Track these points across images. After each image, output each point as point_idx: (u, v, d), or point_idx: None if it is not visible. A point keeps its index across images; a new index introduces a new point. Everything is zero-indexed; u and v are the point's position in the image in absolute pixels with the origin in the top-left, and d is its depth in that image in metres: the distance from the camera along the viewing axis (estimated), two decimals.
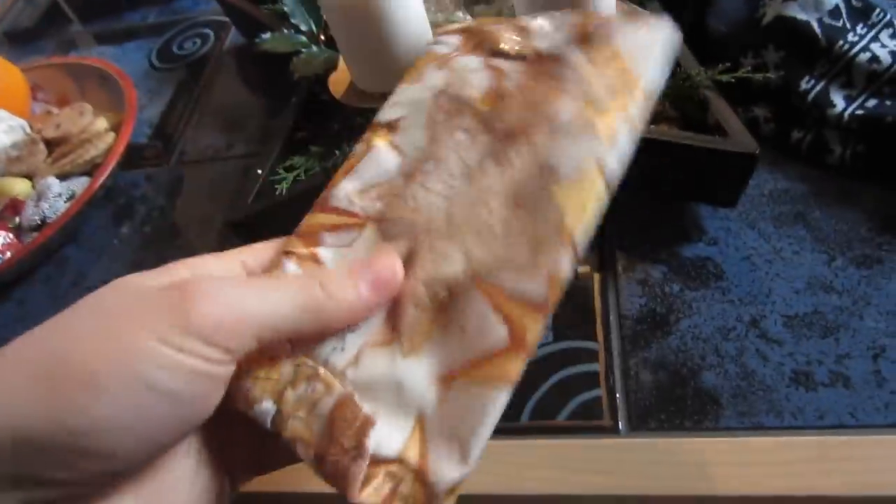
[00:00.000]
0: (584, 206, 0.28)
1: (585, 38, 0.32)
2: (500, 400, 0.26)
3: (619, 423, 0.40)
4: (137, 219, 0.61)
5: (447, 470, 0.25)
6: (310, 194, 0.44)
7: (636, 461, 0.38)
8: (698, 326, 0.43)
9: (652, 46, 0.31)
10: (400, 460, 0.26)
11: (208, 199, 0.61)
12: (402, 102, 0.33)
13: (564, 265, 0.27)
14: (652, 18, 0.32)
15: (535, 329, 0.26)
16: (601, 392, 0.41)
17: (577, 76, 0.30)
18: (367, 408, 0.26)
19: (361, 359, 0.27)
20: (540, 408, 0.41)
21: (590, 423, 0.40)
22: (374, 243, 0.30)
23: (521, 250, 0.28)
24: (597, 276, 0.47)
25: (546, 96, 0.30)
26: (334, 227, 0.31)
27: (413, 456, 0.26)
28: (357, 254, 0.30)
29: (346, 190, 0.32)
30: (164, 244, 0.58)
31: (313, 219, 0.32)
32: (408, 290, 0.28)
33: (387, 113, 0.33)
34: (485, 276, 0.28)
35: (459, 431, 0.26)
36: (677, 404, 0.40)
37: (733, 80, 0.45)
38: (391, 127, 0.33)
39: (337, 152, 0.49)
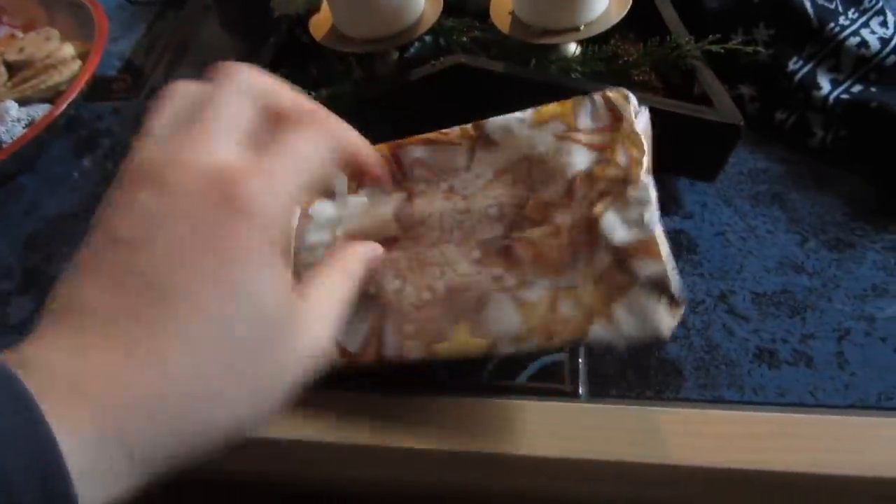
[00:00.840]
0: (457, 351, 0.34)
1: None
2: None
3: (580, 389, 0.39)
4: (100, 152, 0.59)
5: None
6: None
7: (594, 427, 0.37)
8: None
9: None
10: None
11: None
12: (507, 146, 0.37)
13: (405, 361, 0.35)
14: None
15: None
16: (564, 357, 0.40)
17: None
18: None
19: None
20: (500, 368, 0.40)
21: (550, 386, 0.39)
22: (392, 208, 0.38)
23: (412, 326, 0.35)
24: None
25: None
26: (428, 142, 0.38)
27: None
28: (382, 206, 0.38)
29: (414, 157, 0.38)
30: None
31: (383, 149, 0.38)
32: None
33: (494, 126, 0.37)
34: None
35: None
36: (640, 373, 0.39)
37: (722, 51, 0.44)
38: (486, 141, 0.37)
39: (313, 94, 0.47)
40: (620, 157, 0.34)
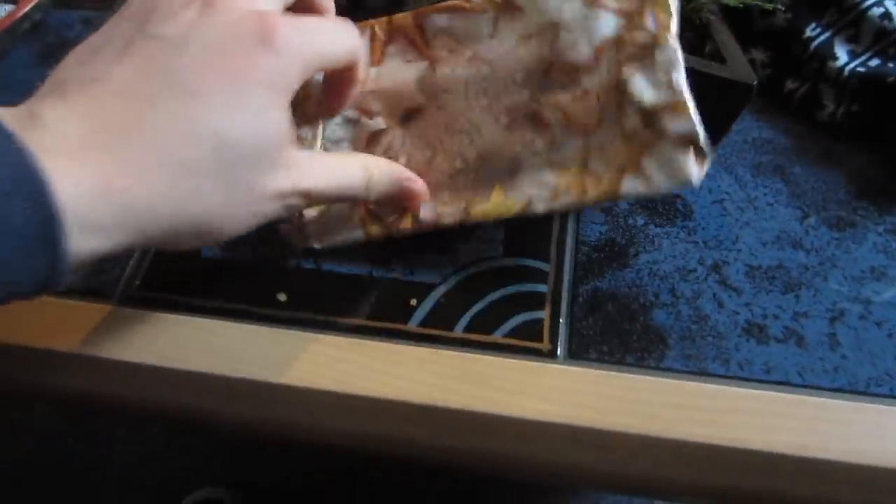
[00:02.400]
0: (497, 211, 0.36)
1: None
2: None
3: (558, 349, 0.37)
4: None
5: None
6: None
7: (568, 390, 0.35)
8: (658, 263, 0.40)
9: None
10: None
11: None
12: None
13: (451, 224, 0.37)
14: None
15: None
16: (545, 315, 0.38)
17: None
18: None
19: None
20: (477, 321, 0.38)
21: (527, 344, 0.37)
22: (418, 76, 0.37)
23: (446, 195, 0.37)
24: None
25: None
26: (407, 44, 0.38)
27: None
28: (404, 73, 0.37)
29: (438, 25, 0.37)
30: None
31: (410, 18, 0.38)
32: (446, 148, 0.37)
33: None
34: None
35: None
36: (622, 338, 0.37)
37: (742, 5, 0.42)
38: None
39: None
40: (648, 22, 0.34)
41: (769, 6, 0.43)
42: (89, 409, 0.43)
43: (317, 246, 0.40)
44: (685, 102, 0.33)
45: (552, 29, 0.35)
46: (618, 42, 0.34)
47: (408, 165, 0.37)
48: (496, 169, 0.36)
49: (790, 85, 0.46)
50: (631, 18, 0.34)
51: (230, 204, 0.28)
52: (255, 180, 0.29)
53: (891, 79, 0.42)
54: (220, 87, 0.27)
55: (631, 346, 0.37)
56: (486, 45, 0.36)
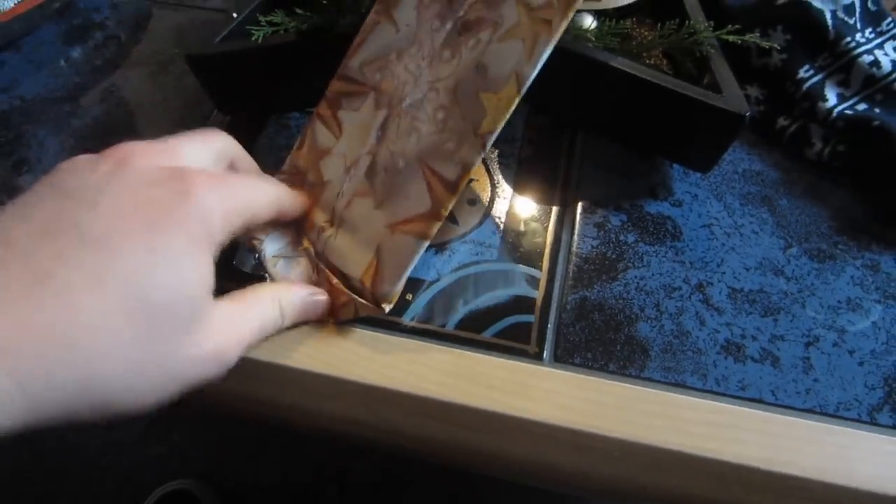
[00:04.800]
0: (500, 114, 0.33)
1: None
2: (420, 248, 0.36)
3: (544, 352, 0.38)
4: (91, 44, 0.56)
5: (388, 287, 0.36)
6: (284, 49, 0.44)
7: (552, 391, 0.37)
8: (645, 279, 0.42)
9: None
10: (361, 280, 0.37)
11: (172, 44, 0.57)
12: None
13: (475, 160, 0.34)
14: None
15: (448, 205, 0.34)
16: (534, 318, 0.40)
17: None
18: (347, 238, 0.38)
19: (352, 204, 0.38)
20: (470, 320, 0.39)
21: (515, 345, 0.38)
22: (372, 108, 0.38)
23: (451, 142, 0.35)
24: (555, 210, 0.45)
25: None
26: (349, 94, 0.39)
27: (367, 278, 0.36)
28: (362, 117, 0.38)
29: (359, 61, 0.39)
30: (112, 78, 0.54)
31: (334, 87, 0.40)
32: (382, 155, 0.37)
33: None
34: (426, 157, 0.35)
35: (396, 263, 0.36)
36: (606, 347, 0.39)
37: (740, 41, 0.44)
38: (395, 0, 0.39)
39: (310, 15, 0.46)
40: None
41: (765, 45, 0.45)
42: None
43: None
44: None
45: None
46: None
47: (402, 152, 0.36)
48: (474, 82, 0.34)
49: (782, 122, 0.48)
50: None
51: (140, 366, 0.25)
52: (170, 339, 0.26)
53: (876, 123, 0.44)
54: (132, 237, 0.25)
55: (614, 355, 0.38)
56: (400, 44, 0.38)
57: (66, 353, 0.23)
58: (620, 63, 0.42)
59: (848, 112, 0.46)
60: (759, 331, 0.40)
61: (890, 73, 0.47)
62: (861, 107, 0.47)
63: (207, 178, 0.28)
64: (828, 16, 0.47)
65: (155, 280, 0.25)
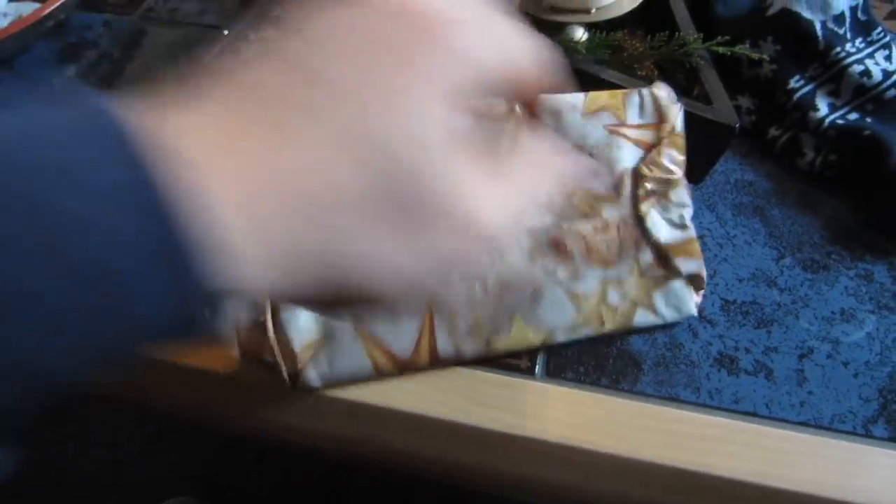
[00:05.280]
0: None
1: None
2: None
3: (536, 367, 0.38)
4: (84, 63, 0.57)
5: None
6: None
7: (543, 406, 0.36)
8: None
9: None
10: None
11: (165, 61, 0.57)
12: None
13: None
14: None
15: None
16: None
17: None
18: None
19: None
20: None
21: (507, 360, 0.38)
22: None
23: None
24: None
25: None
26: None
27: None
28: None
29: None
30: (107, 94, 0.54)
31: None
32: None
33: None
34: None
35: None
36: (599, 361, 0.38)
37: (729, 53, 0.44)
38: None
39: None
40: (664, 159, 0.37)
41: (755, 56, 0.45)
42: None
43: (315, 381, 0.35)
44: (695, 243, 0.37)
45: (576, 152, 0.37)
46: (637, 175, 0.37)
47: None
48: (518, 297, 0.36)
49: (773, 132, 0.48)
50: (649, 152, 0.37)
51: (387, 234, 0.22)
52: (415, 203, 0.22)
53: (867, 132, 0.44)
54: (379, 94, 0.22)
55: (606, 369, 0.38)
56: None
57: (312, 230, 0.21)
58: (610, 75, 0.42)
59: (839, 122, 0.46)
60: (753, 343, 0.39)
61: (881, 83, 0.47)
62: (852, 116, 0.47)
63: (458, 21, 0.23)
64: (818, 26, 0.47)
65: (398, 139, 0.21)
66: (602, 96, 0.38)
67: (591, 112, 0.37)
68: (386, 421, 0.37)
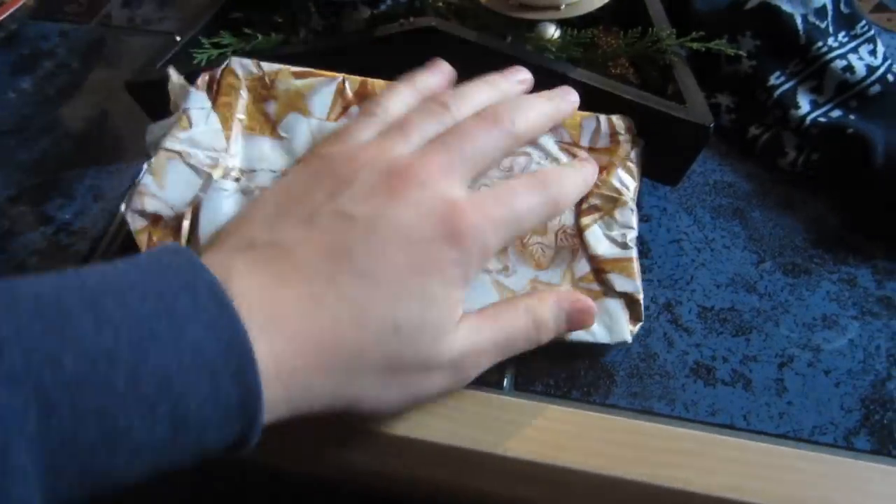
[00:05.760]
0: None
1: None
2: None
3: (504, 380, 0.36)
4: (40, 73, 0.55)
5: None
6: None
7: (511, 421, 0.35)
8: None
9: None
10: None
11: (124, 69, 0.55)
12: None
13: None
14: None
15: None
16: None
17: None
18: None
19: None
20: None
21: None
22: None
23: None
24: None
25: None
26: None
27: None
28: None
29: None
30: (64, 107, 0.52)
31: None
32: None
33: None
34: None
35: None
36: (570, 372, 0.37)
37: (704, 49, 0.42)
38: None
39: (273, 34, 0.44)
40: (615, 180, 0.37)
41: (731, 52, 0.43)
42: None
43: None
44: (633, 264, 0.36)
45: (525, 159, 0.37)
46: None
47: None
48: None
49: (754, 131, 0.47)
50: (599, 173, 0.37)
51: (386, 388, 0.29)
52: (414, 359, 0.29)
53: (850, 130, 0.43)
54: (396, 277, 0.28)
55: (578, 381, 0.37)
56: None
57: (327, 377, 0.27)
58: (580, 74, 0.41)
59: (822, 119, 0.45)
60: (731, 351, 0.38)
61: (864, 79, 0.45)
62: (835, 113, 0.45)
63: (479, 213, 0.30)
64: (798, 20, 0.46)
65: (408, 315, 0.28)
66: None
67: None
68: (345, 440, 0.35)
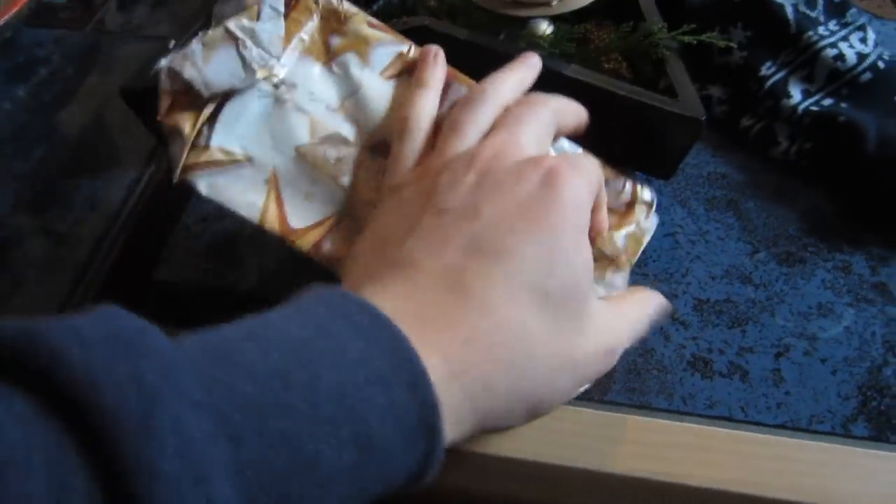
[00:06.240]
0: None
1: None
2: None
3: None
4: (35, 81, 0.55)
5: None
6: None
7: None
8: None
9: None
10: None
11: (119, 76, 0.55)
12: None
13: None
14: None
15: None
16: None
17: None
18: None
19: None
20: None
21: None
22: None
23: None
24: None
25: None
26: None
27: None
28: None
29: None
30: (60, 114, 0.52)
31: None
32: None
33: None
34: None
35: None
36: None
37: (695, 42, 0.42)
38: None
39: None
40: (619, 240, 0.36)
41: (721, 44, 0.44)
42: None
43: (202, 190, 0.34)
44: None
45: None
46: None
47: (351, 190, 0.34)
48: None
49: (746, 121, 0.47)
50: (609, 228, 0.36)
51: (555, 365, 0.27)
52: (570, 335, 0.27)
53: (842, 118, 0.43)
54: (527, 241, 0.26)
55: None
56: None
57: (502, 366, 0.25)
58: (572, 71, 0.41)
59: (814, 108, 0.45)
60: (727, 343, 0.38)
61: (855, 66, 0.45)
62: (827, 102, 0.45)
63: (565, 166, 0.28)
64: (788, 10, 0.46)
65: (554, 276, 0.26)
66: None
67: None
68: None
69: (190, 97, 0.33)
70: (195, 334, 0.22)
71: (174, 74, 0.33)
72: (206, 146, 0.33)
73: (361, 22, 0.35)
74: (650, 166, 0.43)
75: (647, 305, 0.32)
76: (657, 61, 0.43)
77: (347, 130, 0.34)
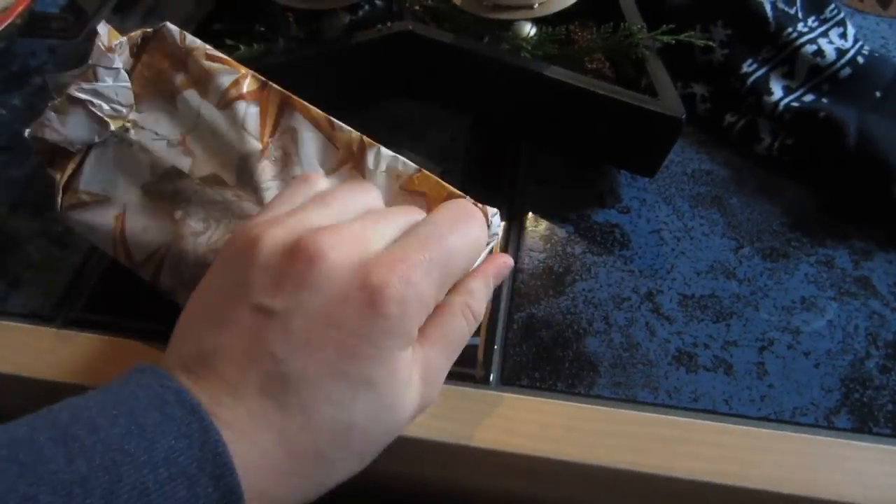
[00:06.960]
0: None
1: None
2: None
3: (491, 375, 0.37)
4: (29, 90, 0.56)
5: None
6: None
7: (498, 416, 0.36)
8: (593, 291, 0.41)
9: None
10: None
11: None
12: None
13: None
14: None
15: None
16: (479, 341, 0.38)
17: None
18: None
19: None
20: None
21: (460, 369, 0.37)
22: None
23: None
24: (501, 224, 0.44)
25: None
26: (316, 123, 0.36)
27: None
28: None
29: None
30: None
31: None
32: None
33: None
34: None
35: None
36: (555, 365, 0.38)
37: (674, 41, 0.43)
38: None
39: (254, 45, 0.45)
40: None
41: (701, 42, 0.44)
42: None
43: (74, 227, 0.38)
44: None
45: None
46: None
47: (180, 220, 0.36)
48: None
49: (729, 118, 0.47)
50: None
51: (356, 462, 0.28)
52: (379, 438, 0.28)
53: (822, 113, 0.43)
54: (328, 370, 0.26)
55: (562, 374, 0.37)
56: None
57: (290, 484, 0.26)
58: (554, 72, 0.41)
59: (795, 104, 0.45)
60: (712, 338, 0.39)
61: (835, 62, 0.46)
62: (808, 98, 0.46)
63: (397, 276, 0.27)
64: (767, 7, 0.46)
65: (356, 409, 0.26)
66: (425, 182, 0.34)
67: (409, 190, 0.34)
68: None
69: (61, 151, 0.37)
70: (20, 426, 0.23)
71: (39, 139, 0.36)
72: (76, 190, 0.37)
73: (201, 55, 0.37)
74: (634, 165, 0.44)
75: (461, 329, 0.31)
76: (638, 61, 0.44)
77: (184, 163, 0.36)
